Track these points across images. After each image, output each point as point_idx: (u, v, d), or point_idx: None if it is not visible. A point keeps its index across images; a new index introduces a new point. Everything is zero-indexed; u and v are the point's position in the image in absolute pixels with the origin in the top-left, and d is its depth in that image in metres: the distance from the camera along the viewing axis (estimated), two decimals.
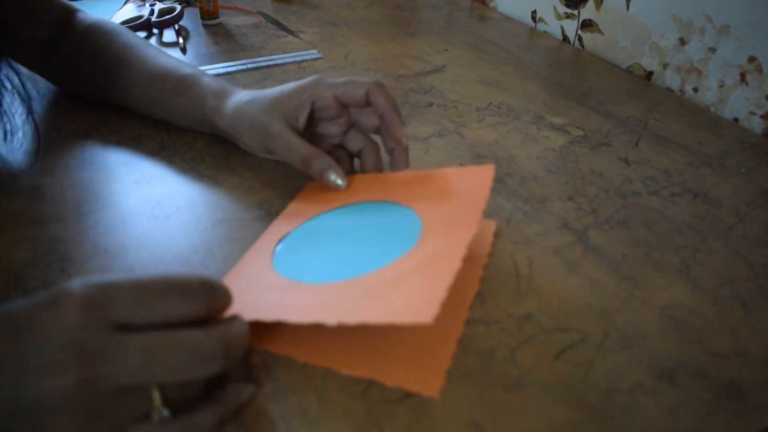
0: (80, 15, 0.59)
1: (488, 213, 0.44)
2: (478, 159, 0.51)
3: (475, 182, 0.39)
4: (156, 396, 0.25)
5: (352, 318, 0.29)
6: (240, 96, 0.47)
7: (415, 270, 0.32)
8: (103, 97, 0.57)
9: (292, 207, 0.44)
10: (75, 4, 0.60)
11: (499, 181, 0.48)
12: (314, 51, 0.75)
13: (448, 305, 0.34)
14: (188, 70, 0.51)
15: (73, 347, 0.24)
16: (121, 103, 0.56)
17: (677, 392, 0.31)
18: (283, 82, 0.66)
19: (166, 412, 0.26)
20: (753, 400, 0.31)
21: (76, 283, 0.25)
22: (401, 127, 0.42)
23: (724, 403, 0.30)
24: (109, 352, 0.24)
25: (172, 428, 0.26)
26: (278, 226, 0.42)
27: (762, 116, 0.58)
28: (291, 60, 0.72)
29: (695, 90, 0.64)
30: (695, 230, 0.43)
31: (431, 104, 0.61)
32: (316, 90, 0.43)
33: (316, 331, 0.33)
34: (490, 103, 0.61)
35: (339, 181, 0.42)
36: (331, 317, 0.29)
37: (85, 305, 0.25)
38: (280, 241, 0.40)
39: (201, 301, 0.27)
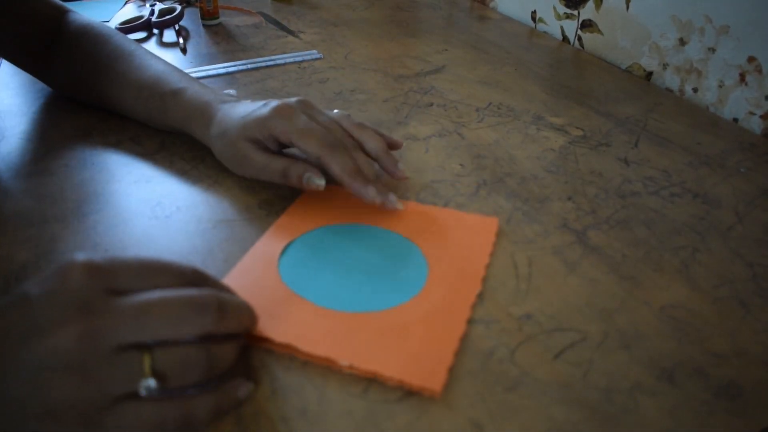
0: (72, 15, 0.58)
1: (488, 213, 0.44)
2: (478, 159, 0.51)
3: (479, 232, 0.41)
4: (146, 361, 0.26)
5: (364, 365, 0.31)
6: (219, 121, 0.46)
7: (422, 322, 0.34)
8: (98, 103, 0.56)
9: (297, 209, 0.44)
10: (74, 5, 0.59)
11: (499, 181, 0.48)
12: (314, 51, 0.75)
13: (451, 304, 0.35)
14: (173, 84, 0.50)
15: (75, 303, 0.25)
16: (115, 110, 0.55)
17: (677, 392, 0.31)
18: (283, 82, 0.66)
19: (153, 383, 0.26)
20: (752, 400, 0.31)
21: (80, 255, 0.27)
22: (396, 165, 0.44)
23: (724, 403, 0.30)
24: (108, 309, 0.26)
25: (168, 406, 0.27)
26: (282, 231, 0.41)
27: (761, 116, 0.58)
28: (291, 60, 0.72)
29: (695, 90, 0.64)
30: (695, 230, 0.43)
31: (431, 104, 0.61)
32: (274, 127, 0.42)
33: (320, 325, 0.34)
34: (490, 104, 0.62)
35: (318, 181, 0.41)
36: (343, 357, 0.31)
37: (89, 270, 0.26)
38: (286, 247, 0.40)
39: (193, 284, 0.29)
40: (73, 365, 0.25)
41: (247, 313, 0.31)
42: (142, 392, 0.26)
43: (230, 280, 0.37)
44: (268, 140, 0.43)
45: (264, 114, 0.43)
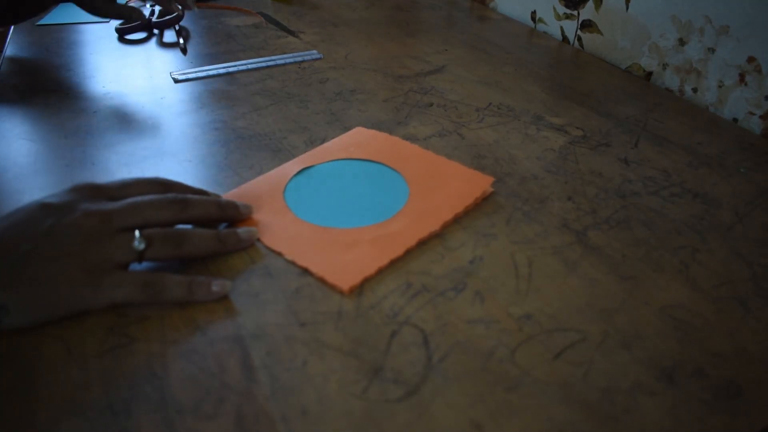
0: None
1: (488, 212, 0.44)
2: (478, 159, 0.51)
3: (468, 184, 0.46)
4: (137, 234, 0.36)
5: (301, 261, 0.39)
6: None
7: (370, 242, 0.40)
8: None
9: (323, 148, 0.52)
10: (75, 5, 0.59)
11: (499, 181, 0.48)
12: (314, 51, 0.75)
13: (403, 233, 0.41)
14: None
15: (90, 201, 0.36)
16: None
17: (677, 392, 0.31)
18: (283, 82, 0.66)
19: (142, 244, 0.35)
20: (752, 399, 0.31)
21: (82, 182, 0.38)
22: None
23: (724, 403, 0.30)
24: (112, 206, 0.36)
25: (150, 275, 0.35)
26: (301, 161, 0.50)
27: (761, 116, 0.58)
28: (291, 60, 0.72)
29: (694, 90, 0.64)
30: (695, 230, 0.43)
31: (431, 104, 0.61)
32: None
33: (288, 229, 0.42)
34: (490, 104, 0.62)
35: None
36: (288, 254, 0.39)
37: (93, 187, 0.38)
38: (298, 173, 0.48)
39: (165, 189, 0.40)
40: (92, 235, 0.34)
41: (208, 206, 0.40)
42: (136, 245, 0.35)
43: (238, 193, 0.45)
44: None
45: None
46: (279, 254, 0.40)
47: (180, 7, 0.81)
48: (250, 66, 0.70)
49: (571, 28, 0.79)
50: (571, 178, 0.49)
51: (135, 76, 0.68)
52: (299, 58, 0.73)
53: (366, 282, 0.38)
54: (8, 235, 0.34)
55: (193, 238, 0.38)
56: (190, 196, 0.40)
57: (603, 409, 0.30)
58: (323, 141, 0.54)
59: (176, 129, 0.56)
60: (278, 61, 0.71)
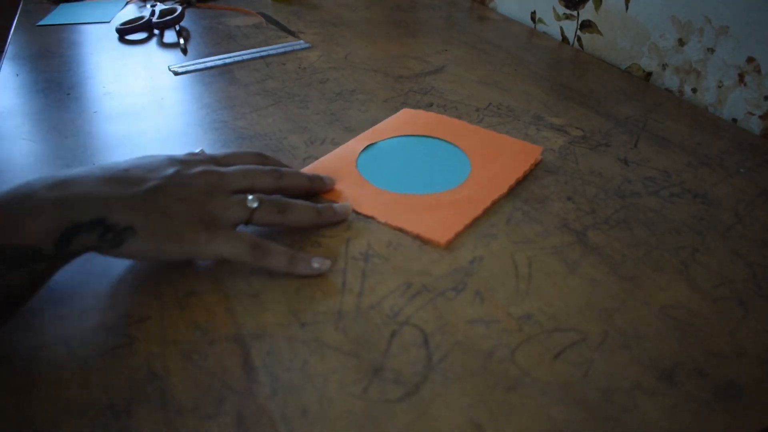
0: None
1: (488, 212, 0.44)
2: None
3: (519, 156, 0.50)
4: (249, 196, 0.39)
5: (394, 222, 0.43)
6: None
7: (449, 205, 0.45)
8: None
9: (379, 127, 0.56)
10: (75, 6, 0.59)
11: None
12: (302, 41, 0.78)
13: (476, 196, 0.46)
14: None
15: (209, 165, 0.40)
16: None
17: (677, 392, 0.31)
18: (283, 82, 0.66)
19: (255, 203, 0.38)
20: (752, 399, 0.31)
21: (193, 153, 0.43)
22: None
23: (724, 403, 0.30)
24: (225, 171, 0.40)
25: (258, 240, 0.37)
26: (363, 138, 0.54)
27: (761, 117, 0.58)
28: (282, 50, 0.74)
29: (694, 90, 0.64)
30: (694, 230, 0.43)
31: (431, 104, 0.61)
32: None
33: (373, 197, 0.45)
34: (490, 104, 0.62)
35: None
36: (381, 217, 0.43)
37: (204, 157, 0.42)
38: (364, 149, 0.52)
39: (263, 162, 0.45)
40: (211, 190, 0.38)
41: (299, 177, 0.43)
42: (249, 203, 0.38)
43: (316, 167, 0.49)
44: None
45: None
46: (372, 218, 0.43)
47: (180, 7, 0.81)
48: (245, 57, 0.72)
49: (570, 28, 0.79)
50: (571, 178, 0.49)
51: (135, 76, 0.68)
52: (290, 49, 0.75)
53: (457, 237, 0.42)
54: (137, 169, 0.37)
55: (296, 207, 0.40)
56: (284, 168, 0.44)
57: (603, 409, 0.30)
58: (323, 141, 0.54)
59: (176, 129, 0.56)
60: (270, 52, 0.74)
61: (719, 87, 0.61)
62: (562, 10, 0.80)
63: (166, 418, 0.29)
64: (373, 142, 0.53)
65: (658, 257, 0.41)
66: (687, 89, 0.65)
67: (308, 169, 0.49)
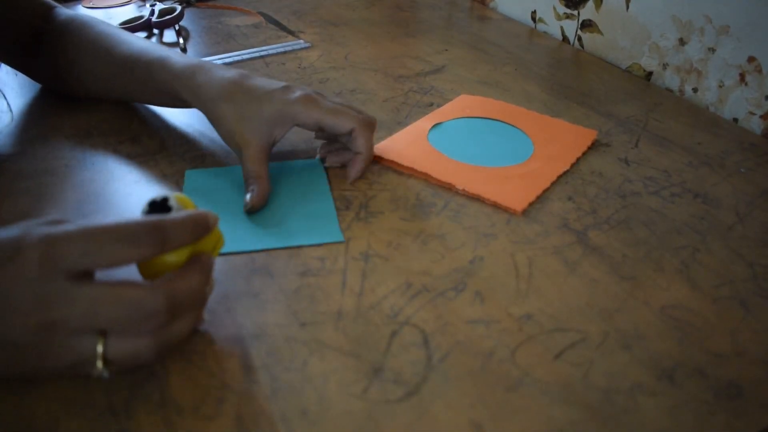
0: (58, 10, 0.59)
1: (488, 212, 0.44)
2: None
3: (577, 138, 0.54)
4: (99, 346, 0.28)
5: (472, 190, 0.46)
6: (216, 81, 0.46)
7: (520, 177, 0.48)
8: (82, 90, 0.57)
9: (442, 109, 0.59)
10: (75, 6, 0.60)
11: None
12: (301, 41, 0.77)
13: (542, 170, 0.49)
14: (159, 53, 0.50)
15: (32, 296, 0.27)
16: (99, 93, 0.56)
17: (677, 392, 0.31)
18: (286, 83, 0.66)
19: (105, 372, 0.29)
20: (753, 400, 0.31)
21: (29, 239, 0.28)
22: (358, 173, 0.47)
23: (724, 403, 0.30)
24: (62, 299, 0.27)
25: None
26: (430, 118, 0.57)
27: (761, 116, 0.58)
28: (282, 50, 0.74)
29: (695, 90, 0.64)
30: (695, 230, 0.43)
31: (431, 104, 0.61)
32: (301, 115, 0.45)
33: (450, 168, 0.49)
34: None
35: (248, 199, 0.43)
36: (460, 184, 0.47)
37: (41, 260, 0.27)
38: (433, 127, 0.55)
39: (148, 246, 0.29)
40: (36, 344, 0.28)
41: (183, 233, 0.30)
42: (95, 375, 0.29)
43: (389, 142, 0.52)
44: (280, 131, 0.45)
45: (292, 99, 0.44)
46: (450, 185, 0.47)
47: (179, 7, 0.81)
48: (244, 56, 0.72)
49: (571, 28, 0.79)
50: (572, 178, 0.49)
51: None
52: (289, 48, 0.75)
53: (531, 204, 0.45)
54: None
55: (173, 340, 0.31)
56: (184, 284, 0.30)
57: (603, 410, 0.30)
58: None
59: (177, 129, 0.55)
60: (270, 51, 0.74)
61: (720, 87, 0.61)
62: (562, 9, 0.80)
63: (166, 418, 0.29)
64: (439, 122, 0.56)
65: (658, 257, 0.40)
66: (688, 89, 0.65)
67: (382, 145, 0.52)
